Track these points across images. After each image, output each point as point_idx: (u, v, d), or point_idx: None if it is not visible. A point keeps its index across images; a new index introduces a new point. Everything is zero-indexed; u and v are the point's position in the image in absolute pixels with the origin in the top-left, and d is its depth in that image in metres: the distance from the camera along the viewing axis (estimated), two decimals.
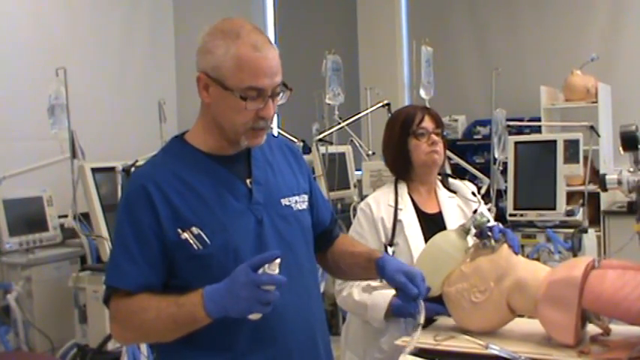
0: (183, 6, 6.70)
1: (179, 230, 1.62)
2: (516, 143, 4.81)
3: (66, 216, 4.40)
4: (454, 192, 2.53)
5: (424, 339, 2.01)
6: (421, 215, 2.43)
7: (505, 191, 4.80)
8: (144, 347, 3.45)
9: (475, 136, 6.64)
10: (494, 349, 1.84)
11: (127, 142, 5.40)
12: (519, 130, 5.40)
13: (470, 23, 7.08)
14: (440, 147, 2.41)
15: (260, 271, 1.51)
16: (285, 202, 1.76)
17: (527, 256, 4.25)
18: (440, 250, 2.13)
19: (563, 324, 1.86)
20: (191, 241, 1.62)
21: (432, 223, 2.39)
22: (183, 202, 1.64)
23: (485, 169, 5.06)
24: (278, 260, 1.51)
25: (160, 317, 1.58)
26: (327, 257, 1.96)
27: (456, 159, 5.12)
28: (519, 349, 1.86)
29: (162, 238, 1.62)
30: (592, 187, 4.61)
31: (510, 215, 4.69)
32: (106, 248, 4.03)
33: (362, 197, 5.20)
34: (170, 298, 1.59)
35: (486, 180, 4.90)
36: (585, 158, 4.56)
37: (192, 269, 1.63)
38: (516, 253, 2.05)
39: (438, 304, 2.12)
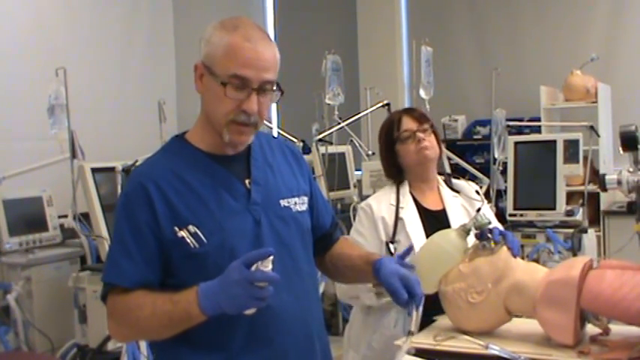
0: (182, 6, 6.70)
1: (176, 228, 1.63)
2: (516, 143, 4.82)
3: (66, 216, 4.40)
4: (457, 192, 2.53)
5: (424, 339, 2.01)
6: (423, 212, 2.43)
7: (505, 191, 4.81)
8: (143, 347, 3.45)
9: (475, 136, 6.64)
10: (495, 349, 1.84)
11: (127, 142, 5.40)
12: (519, 130, 5.41)
13: (470, 23, 7.08)
14: (429, 142, 2.41)
15: (253, 267, 1.51)
16: (284, 203, 1.76)
17: (527, 256, 4.26)
18: (439, 248, 2.12)
19: (562, 324, 1.86)
20: (188, 240, 1.62)
21: (434, 220, 2.39)
22: (181, 201, 1.64)
23: (485, 169, 5.07)
24: (271, 257, 1.52)
25: (155, 314, 1.58)
26: (325, 260, 1.96)
27: (456, 159, 5.12)
28: (519, 349, 1.86)
29: (160, 235, 1.63)
30: (592, 187, 4.62)
31: (510, 215, 4.69)
32: (106, 248, 4.01)
33: (362, 197, 5.21)
34: (165, 296, 1.59)
35: (486, 180, 4.90)
36: (585, 158, 4.57)
37: (189, 268, 1.63)
38: (515, 256, 2.05)
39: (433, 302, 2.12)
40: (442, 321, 2.16)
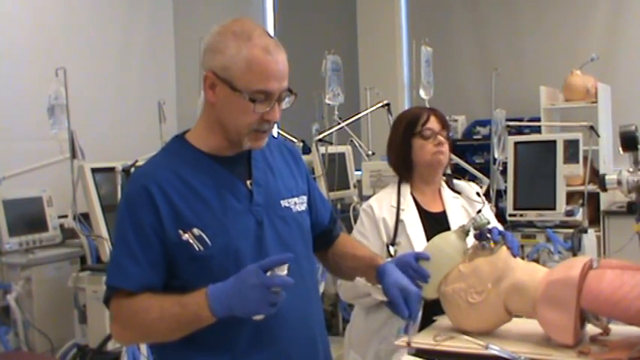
0: (183, 6, 6.70)
1: (180, 231, 1.62)
2: (516, 143, 4.82)
3: (66, 216, 4.40)
4: (458, 192, 2.53)
5: (424, 339, 2.01)
6: (424, 214, 2.43)
7: (505, 191, 4.80)
8: (143, 348, 3.45)
9: (475, 136, 6.64)
10: (494, 349, 1.84)
11: (127, 142, 5.40)
12: (519, 130, 5.41)
13: (469, 23, 7.08)
14: (445, 148, 2.42)
15: (269, 273, 1.52)
16: (284, 203, 1.76)
17: (527, 256, 4.25)
18: (439, 252, 2.12)
19: (561, 324, 1.86)
20: (192, 243, 1.62)
21: (435, 223, 2.39)
22: (184, 203, 1.63)
23: (485, 170, 5.06)
24: (287, 263, 1.53)
25: (163, 317, 1.58)
26: (328, 257, 1.96)
27: (456, 159, 5.12)
28: (519, 349, 1.86)
29: (164, 238, 1.62)
30: (592, 187, 4.62)
31: (510, 215, 4.69)
32: (106, 248, 4.03)
33: (362, 197, 5.21)
34: (172, 298, 1.58)
35: (486, 180, 4.90)
36: (585, 158, 4.56)
37: (193, 270, 1.63)
38: (515, 256, 2.05)
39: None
40: (442, 321, 2.16)
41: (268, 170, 1.77)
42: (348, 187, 5.63)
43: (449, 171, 2.68)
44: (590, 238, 4.52)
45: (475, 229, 2.10)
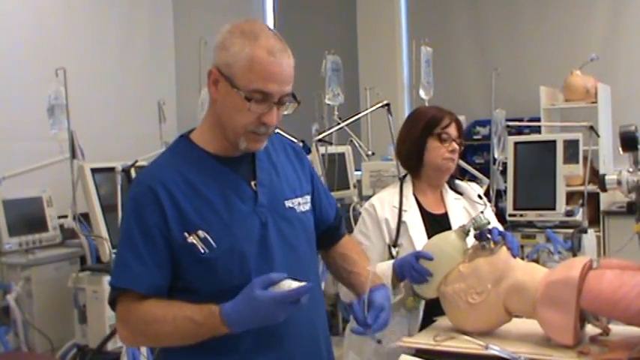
0: (182, 6, 6.69)
1: (185, 234, 1.62)
2: (516, 143, 4.82)
3: (66, 216, 4.40)
4: (460, 193, 2.53)
5: (424, 339, 2.01)
6: (426, 215, 2.42)
7: (505, 191, 4.81)
8: (143, 348, 3.45)
9: (475, 137, 6.65)
10: (494, 349, 1.84)
11: (127, 142, 5.39)
12: (519, 131, 5.41)
13: (469, 23, 7.08)
14: (457, 156, 2.42)
15: (283, 284, 1.54)
16: (288, 204, 1.75)
17: (527, 257, 4.25)
18: (439, 251, 2.12)
19: (561, 325, 1.86)
20: (198, 245, 1.62)
21: (437, 224, 2.39)
22: (189, 205, 1.63)
23: (485, 170, 5.07)
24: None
25: (177, 331, 1.59)
26: (329, 256, 1.95)
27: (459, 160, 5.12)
28: (519, 349, 1.86)
29: (169, 239, 1.62)
30: (591, 188, 4.62)
31: (510, 215, 4.69)
32: (106, 248, 4.03)
33: (362, 198, 5.21)
34: (185, 312, 1.58)
35: (486, 180, 4.90)
36: (585, 158, 4.57)
37: (198, 272, 1.63)
38: (515, 256, 2.05)
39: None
40: (442, 321, 2.16)
41: (272, 170, 1.77)
42: (348, 188, 5.63)
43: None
44: (589, 238, 4.52)
45: (475, 229, 2.10)
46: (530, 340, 1.95)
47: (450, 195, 2.50)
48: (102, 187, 4.24)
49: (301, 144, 4.87)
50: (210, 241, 1.62)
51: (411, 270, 2.13)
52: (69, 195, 4.34)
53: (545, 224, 4.57)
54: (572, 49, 6.31)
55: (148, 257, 1.61)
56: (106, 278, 3.90)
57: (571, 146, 4.59)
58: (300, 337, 1.71)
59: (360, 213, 2.57)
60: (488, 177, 4.91)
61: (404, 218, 2.39)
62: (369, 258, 1.99)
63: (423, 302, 2.27)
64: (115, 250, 3.95)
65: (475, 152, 6.55)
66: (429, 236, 2.32)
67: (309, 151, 5.01)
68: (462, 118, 7.43)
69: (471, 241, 2.15)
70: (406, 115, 2.81)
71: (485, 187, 4.73)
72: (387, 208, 2.42)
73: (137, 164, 4.18)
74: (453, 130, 2.42)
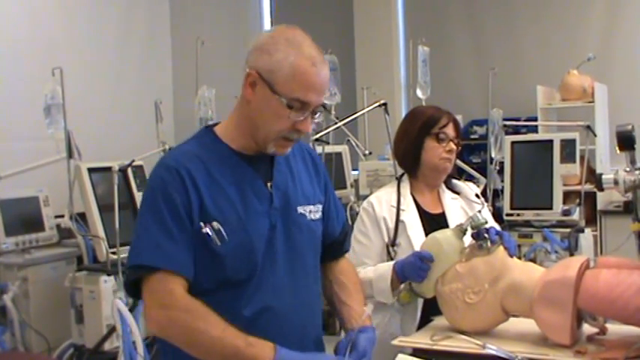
0: (179, 6, 6.68)
1: (202, 223, 1.63)
2: (513, 143, 4.82)
3: (62, 216, 4.39)
4: (457, 193, 2.53)
5: (421, 339, 2.01)
6: (424, 215, 2.43)
7: (502, 191, 4.81)
8: (140, 348, 3.44)
9: (472, 136, 6.65)
10: (492, 348, 1.84)
11: (124, 142, 5.39)
12: (516, 130, 5.42)
13: (466, 23, 7.09)
14: (454, 156, 2.42)
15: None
16: (300, 210, 1.77)
17: (524, 256, 4.25)
18: (437, 249, 2.13)
19: (558, 324, 1.86)
20: (211, 236, 1.63)
21: (434, 223, 2.39)
22: (209, 195, 1.64)
23: (482, 169, 5.07)
24: None
25: (222, 341, 1.56)
26: (326, 277, 1.92)
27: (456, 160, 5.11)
28: (516, 348, 1.86)
29: (192, 223, 1.63)
30: (588, 187, 4.62)
31: (507, 215, 4.70)
32: (103, 248, 4.03)
33: (359, 197, 5.20)
34: (234, 328, 1.57)
35: (483, 180, 4.90)
36: (582, 158, 4.57)
37: (206, 263, 1.63)
38: (512, 256, 2.05)
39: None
40: (439, 321, 2.16)
41: (289, 174, 1.78)
42: (345, 187, 5.63)
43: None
44: (586, 237, 4.52)
45: (473, 228, 2.11)
46: (528, 340, 1.95)
47: (447, 194, 2.50)
48: (99, 187, 4.23)
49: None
50: (224, 234, 1.63)
51: (417, 270, 2.13)
52: (66, 195, 4.33)
53: (542, 224, 4.57)
54: (569, 49, 6.32)
55: (179, 237, 1.61)
56: (103, 278, 3.90)
57: (568, 146, 4.59)
58: (297, 339, 1.70)
59: (357, 212, 2.57)
60: (485, 176, 4.91)
61: (402, 217, 2.39)
62: (364, 292, 1.98)
63: (419, 298, 2.27)
64: (113, 250, 3.94)
65: (472, 152, 6.56)
66: (427, 236, 2.32)
67: None
68: (459, 117, 7.40)
69: (467, 240, 2.15)
70: (403, 114, 2.81)
71: (482, 186, 4.73)
72: (385, 207, 2.42)
73: (134, 164, 4.18)
74: (450, 130, 2.42)
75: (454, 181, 2.57)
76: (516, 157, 4.77)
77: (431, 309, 2.23)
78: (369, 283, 2.25)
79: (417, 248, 2.27)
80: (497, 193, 4.87)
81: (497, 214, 4.65)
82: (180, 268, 1.60)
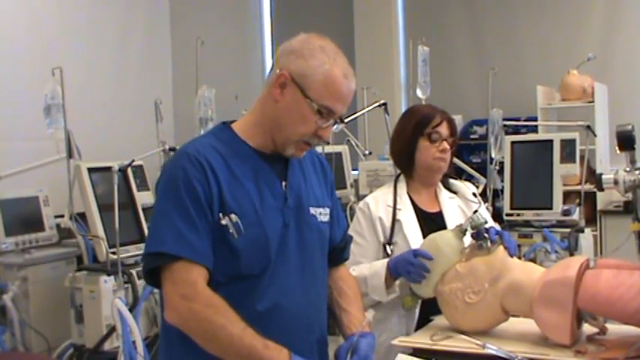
0: (179, 6, 6.68)
1: (220, 215, 1.64)
2: (513, 143, 4.82)
3: (62, 216, 4.39)
4: (455, 192, 2.53)
5: (421, 339, 2.01)
6: (421, 214, 2.43)
7: (502, 191, 4.80)
8: (140, 347, 3.44)
9: (472, 136, 6.65)
10: (492, 348, 1.84)
11: (124, 141, 5.39)
12: (516, 130, 5.42)
13: (466, 23, 7.09)
14: (448, 155, 2.42)
15: None
16: (312, 211, 1.79)
17: (524, 256, 4.25)
18: (436, 250, 2.13)
19: (558, 324, 1.86)
20: (230, 228, 1.64)
21: (431, 222, 2.39)
22: (228, 188, 1.65)
23: (482, 169, 5.06)
24: None
25: (241, 339, 1.57)
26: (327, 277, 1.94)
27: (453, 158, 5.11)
28: (516, 348, 1.86)
29: (212, 214, 1.63)
30: (588, 187, 4.61)
31: (507, 215, 4.69)
32: (103, 248, 4.03)
33: (359, 197, 5.20)
34: (252, 330, 1.58)
35: (483, 180, 4.90)
36: (582, 158, 4.57)
37: (221, 255, 1.64)
38: (512, 256, 2.05)
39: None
40: (439, 321, 2.16)
41: (302, 176, 1.81)
42: (345, 187, 5.63)
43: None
44: (586, 237, 4.52)
45: (472, 228, 2.11)
46: (528, 340, 1.95)
47: (444, 194, 2.50)
48: (99, 187, 4.23)
49: None
50: (241, 227, 1.64)
51: (407, 265, 2.13)
52: (65, 194, 4.33)
53: (542, 224, 4.57)
54: (569, 49, 6.32)
55: (201, 227, 1.62)
56: (103, 278, 3.90)
57: (568, 146, 4.59)
58: (303, 338, 1.72)
59: None
60: (485, 176, 4.91)
61: (398, 217, 2.39)
62: (363, 301, 1.98)
63: (419, 301, 2.27)
64: (113, 250, 3.94)
65: (472, 152, 6.56)
66: (424, 235, 2.33)
67: None
68: (458, 117, 7.46)
69: (467, 240, 2.15)
70: None
71: (482, 186, 4.73)
72: (382, 207, 2.42)
73: (134, 164, 4.17)
74: (444, 129, 2.41)
75: (451, 180, 2.57)
76: (516, 157, 4.77)
77: (431, 309, 2.23)
78: (363, 281, 2.25)
79: (414, 247, 2.27)
80: (497, 193, 4.87)
81: (497, 214, 4.65)
82: (202, 258, 1.61)
